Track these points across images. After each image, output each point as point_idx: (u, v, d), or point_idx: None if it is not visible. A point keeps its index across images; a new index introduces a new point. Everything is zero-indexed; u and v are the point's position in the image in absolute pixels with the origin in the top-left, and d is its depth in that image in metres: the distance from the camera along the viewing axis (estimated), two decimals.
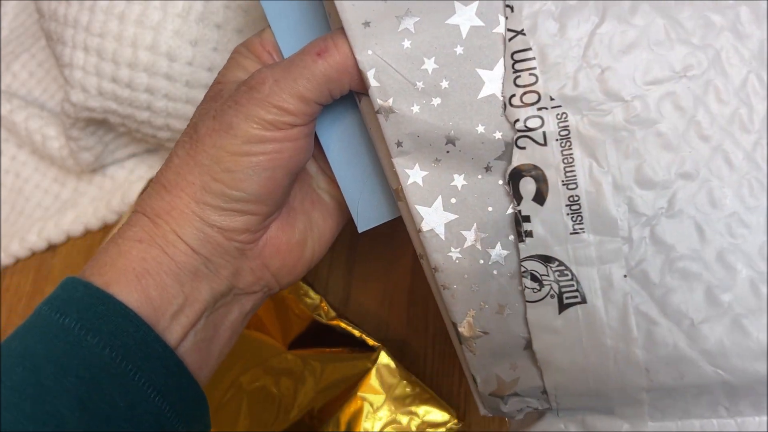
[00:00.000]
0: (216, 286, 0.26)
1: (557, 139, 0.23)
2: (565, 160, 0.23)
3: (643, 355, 0.23)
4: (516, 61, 0.23)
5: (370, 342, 0.41)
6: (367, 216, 0.29)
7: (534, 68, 0.23)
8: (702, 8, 0.23)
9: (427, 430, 0.39)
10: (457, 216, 0.24)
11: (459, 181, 0.24)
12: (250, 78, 0.25)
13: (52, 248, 0.52)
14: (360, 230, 0.29)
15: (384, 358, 0.40)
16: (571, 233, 0.23)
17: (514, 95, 0.23)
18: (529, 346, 0.25)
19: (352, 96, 0.26)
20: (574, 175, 0.23)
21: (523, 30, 0.23)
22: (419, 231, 0.25)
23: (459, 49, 0.23)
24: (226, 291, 0.26)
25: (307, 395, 0.41)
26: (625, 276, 0.23)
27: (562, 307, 0.24)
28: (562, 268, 0.23)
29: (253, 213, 0.25)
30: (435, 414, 0.39)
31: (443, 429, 0.39)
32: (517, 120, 0.23)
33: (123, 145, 0.49)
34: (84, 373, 0.22)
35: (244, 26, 0.38)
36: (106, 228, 0.51)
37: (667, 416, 0.24)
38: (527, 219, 0.23)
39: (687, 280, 0.23)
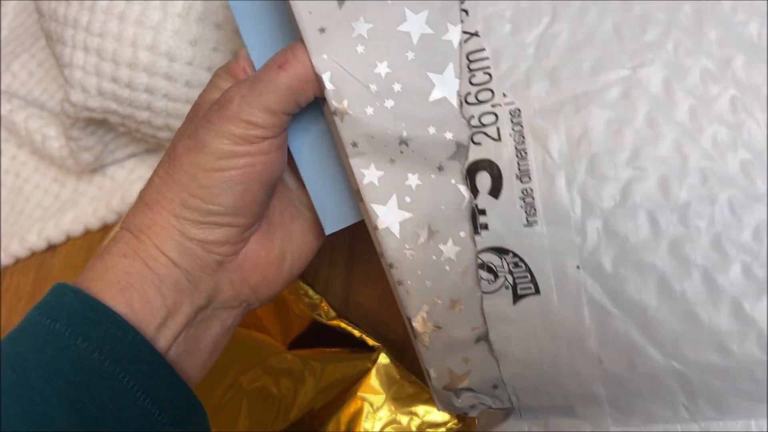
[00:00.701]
0: (196, 300, 0.27)
1: (510, 134, 0.24)
2: (519, 154, 0.24)
3: (596, 345, 0.24)
4: (471, 61, 0.24)
5: (370, 342, 0.41)
6: (334, 218, 0.30)
7: (488, 67, 0.24)
8: (650, 8, 0.23)
9: (427, 430, 0.39)
10: (411, 214, 0.25)
11: (413, 180, 0.25)
12: (221, 97, 0.26)
13: (51, 248, 0.52)
14: (327, 232, 0.30)
15: (384, 358, 0.40)
16: (524, 225, 0.24)
17: (469, 93, 0.24)
18: (480, 339, 0.25)
19: (317, 102, 0.27)
20: (528, 169, 0.24)
21: (477, 32, 0.24)
22: (375, 229, 0.25)
23: (410, 55, 0.24)
24: (205, 304, 0.27)
25: (307, 395, 0.41)
26: (578, 267, 0.23)
27: (517, 297, 0.24)
28: (516, 259, 0.24)
29: (230, 225, 0.26)
30: (435, 414, 0.39)
31: (443, 429, 0.39)
32: (472, 117, 0.24)
33: (123, 145, 0.49)
34: (74, 377, 0.23)
35: None
36: (105, 228, 0.51)
37: (629, 420, 0.24)
38: (483, 212, 0.24)
39: (640, 272, 0.23)
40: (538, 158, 0.23)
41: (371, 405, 0.40)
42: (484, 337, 0.25)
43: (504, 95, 0.24)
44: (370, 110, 0.24)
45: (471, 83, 0.24)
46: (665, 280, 0.23)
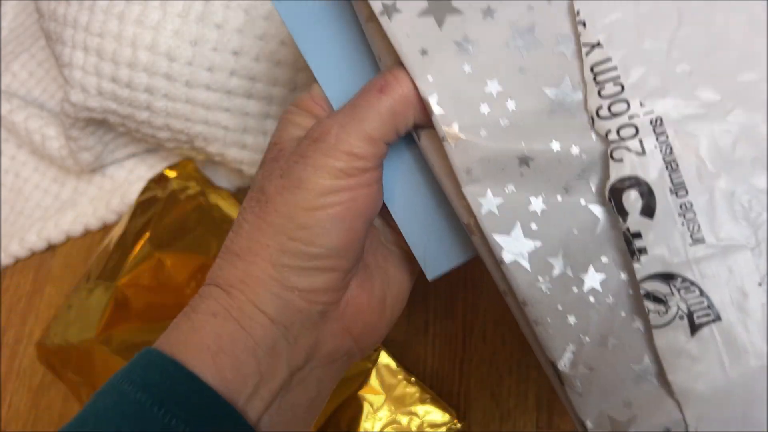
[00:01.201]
0: (294, 360, 0.24)
1: (656, 146, 0.21)
2: (669, 167, 0.21)
3: None
4: (597, 74, 0.22)
5: None
6: (436, 262, 0.27)
7: (618, 77, 0.22)
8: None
9: (427, 430, 0.39)
10: (540, 243, 0.23)
11: (537, 205, 0.23)
12: (312, 130, 0.24)
13: (51, 248, 0.52)
14: (430, 278, 0.28)
15: (384, 358, 0.40)
16: (690, 244, 0.21)
17: (600, 107, 0.22)
18: (642, 378, 0.23)
19: (405, 141, 0.26)
20: (682, 181, 0.21)
21: (599, 42, 0.22)
22: (500, 263, 0.23)
23: (522, 70, 0.22)
24: (303, 364, 0.25)
25: None
26: (759, 284, 0.21)
27: (695, 328, 0.21)
28: (687, 284, 0.21)
29: (333, 269, 0.24)
30: (435, 414, 0.39)
31: (443, 429, 0.39)
32: (609, 131, 0.22)
33: (123, 145, 0.49)
34: None
35: (243, 26, 0.38)
36: (105, 228, 0.51)
37: None
38: (638, 235, 0.22)
39: None
40: (692, 168, 0.21)
41: (371, 405, 0.39)
42: (647, 375, 0.22)
43: (641, 105, 0.22)
44: (484, 132, 0.22)
45: (601, 96, 0.22)
46: None
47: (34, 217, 0.52)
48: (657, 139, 0.21)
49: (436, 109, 0.22)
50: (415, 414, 0.39)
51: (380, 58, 0.25)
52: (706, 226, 0.21)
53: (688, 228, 0.21)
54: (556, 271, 0.23)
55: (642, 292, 0.22)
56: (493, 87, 0.22)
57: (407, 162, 0.27)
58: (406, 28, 0.23)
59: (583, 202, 0.22)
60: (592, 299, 0.22)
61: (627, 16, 0.22)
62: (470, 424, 0.41)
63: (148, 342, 0.24)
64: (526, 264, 0.23)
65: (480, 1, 0.23)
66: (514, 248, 0.23)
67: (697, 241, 0.21)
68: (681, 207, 0.21)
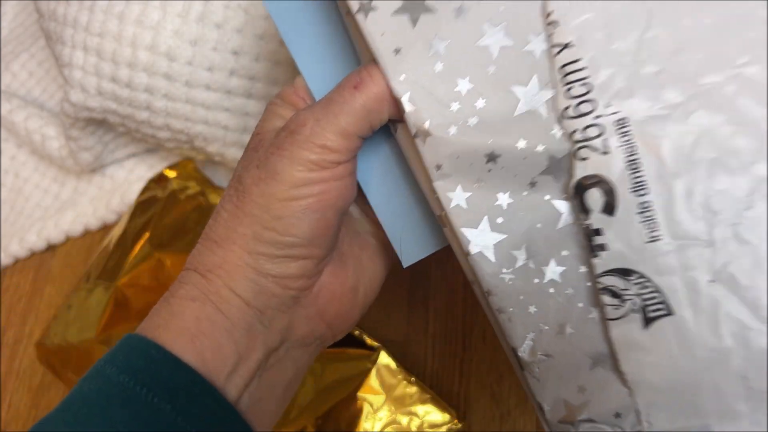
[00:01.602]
0: (270, 341, 0.25)
1: (619, 146, 0.22)
2: (631, 166, 0.22)
3: (738, 363, 0.22)
4: (567, 73, 0.23)
5: (370, 342, 0.41)
6: (412, 250, 0.28)
7: (586, 77, 0.22)
8: (750, 6, 0.22)
9: (427, 430, 0.39)
10: (505, 236, 0.24)
11: (504, 199, 0.24)
12: (289, 122, 0.25)
13: (51, 248, 0.52)
14: (405, 265, 0.28)
15: (384, 358, 0.40)
16: (647, 242, 0.22)
17: (568, 106, 0.23)
18: (596, 365, 0.24)
19: (383, 131, 0.26)
20: (643, 180, 0.22)
21: (570, 42, 0.23)
22: (467, 254, 0.24)
23: (491, 69, 0.23)
24: (278, 345, 0.26)
25: (307, 395, 0.41)
26: (711, 281, 0.22)
27: (648, 321, 0.23)
28: (643, 279, 0.22)
29: (307, 257, 0.25)
30: (435, 414, 0.39)
31: (443, 429, 0.39)
32: (575, 131, 0.23)
33: (122, 144, 0.49)
34: None
35: (243, 26, 0.38)
36: (105, 228, 0.51)
37: None
38: (598, 232, 0.22)
39: None
40: (653, 169, 0.22)
41: (371, 405, 0.39)
42: (600, 363, 0.24)
43: (607, 105, 0.22)
44: (453, 129, 0.23)
45: (568, 95, 0.23)
46: None
47: (34, 217, 0.52)
48: (621, 139, 0.22)
49: (408, 107, 0.23)
50: (415, 414, 0.39)
51: (360, 54, 0.26)
52: (663, 224, 0.22)
53: (646, 226, 0.22)
54: (519, 263, 0.24)
55: (599, 286, 0.23)
56: (463, 86, 0.23)
57: (385, 152, 0.28)
58: (380, 26, 0.24)
59: (547, 197, 0.23)
60: (552, 290, 0.23)
61: (597, 17, 0.23)
62: (470, 424, 0.41)
63: None
64: (491, 256, 0.24)
65: (453, 1, 0.23)
66: (480, 241, 0.24)
67: (654, 239, 0.22)
68: (640, 206, 0.22)
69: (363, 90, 0.24)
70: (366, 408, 0.39)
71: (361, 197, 0.29)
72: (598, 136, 0.22)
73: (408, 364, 0.41)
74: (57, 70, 0.54)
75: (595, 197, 0.22)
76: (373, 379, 0.40)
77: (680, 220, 0.22)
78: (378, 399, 0.39)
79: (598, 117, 0.22)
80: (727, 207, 0.21)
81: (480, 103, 0.23)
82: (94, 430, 0.22)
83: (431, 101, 0.23)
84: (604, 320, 0.23)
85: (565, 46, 0.23)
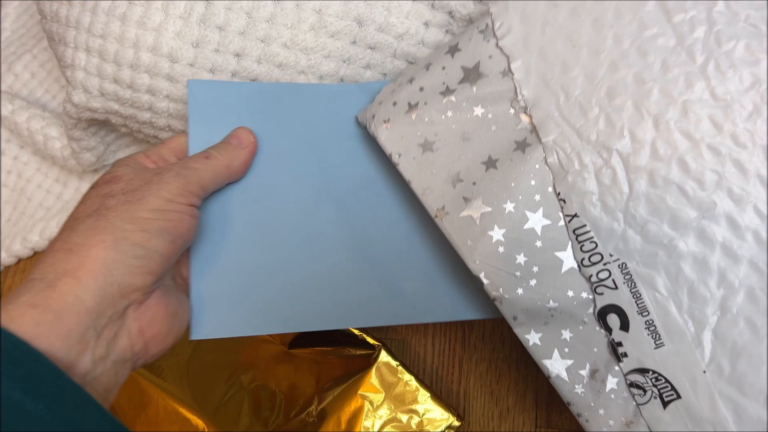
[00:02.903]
0: (96, 351, 0.27)
1: (624, 282, 0.31)
2: (634, 296, 0.31)
3: (735, 427, 0.29)
4: (578, 235, 0.31)
5: (370, 341, 0.41)
6: (208, 325, 0.33)
7: (592, 237, 0.31)
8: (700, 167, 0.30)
9: (427, 428, 0.39)
10: (572, 361, 0.32)
11: (566, 334, 0.32)
12: (157, 168, 0.31)
13: None
14: (192, 337, 0.32)
15: (384, 356, 0.40)
16: (654, 348, 0.30)
17: (583, 258, 0.31)
18: None
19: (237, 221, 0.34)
20: (645, 305, 0.31)
21: (576, 213, 0.31)
22: (548, 377, 0.32)
23: (538, 243, 0.31)
24: (104, 355, 0.27)
25: (308, 394, 0.41)
26: (704, 372, 0.30)
27: (665, 403, 0.31)
28: (656, 375, 0.30)
29: (151, 272, 0.28)
30: (435, 412, 0.39)
31: (443, 427, 0.39)
32: (591, 275, 0.31)
33: (125, 145, 0.49)
34: None
35: (245, 28, 0.38)
36: None
37: None
38: (620, 344, 0.31)
39: (754, 364, 0.29)
40: (650, 296, 0.31)
41: (371, 403, 0.40)
42: None
43: (610, 255, 0.31)
44: (520, 290, 0.31)
45: (582, 251, 0.31)
46: None
47: (37, 217, 0.52)
48: (624, 278, 0.31)
49: (485, 281, 0.31)
50: (415, 412, 0.39)
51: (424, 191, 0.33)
52: (664, 334, 0.30)
53: (652, 337, 0.31)
54: (585, 380, 0.32)
55: (627, 382, 0.31)
56: (521, 259, 0.31)
57: (224, 233, 0.34)
58: (456, 225, 0.32)
59: (597, 328, 0.31)
60: (612, 396, 0.31)
61: (593, 196, 0.31)
62: (469, 422, 0.42)
63: None
64: (565, 377, 0.32)
65: (507, 204, 0.32)
66: (555, 367, 0.32)
67: (659, 345, 0.30)
68: (646, 323, 0.31)
69: (212, 160, 0.32)
70: (366, 406, 0.40)
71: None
72: (608, 277, 0.31)
73: (408, 363, 0.41)
74: (59, 71, 0.54)
75: (613, 319, 0.31)
76: (373, 377, 0.40)
77: (675, 331, 0.30)
78: (378, 397, 0.40)
79: (605, 264, 0.31)
80: (706, 317, 0.30)
81: (535, 269, 0.31)
82: None
83: (500, 274, 0.31)
84: (637, 405, 0.31)
85: (574, 216, 0.31)
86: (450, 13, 0.39)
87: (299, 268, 0.33)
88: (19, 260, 0.52)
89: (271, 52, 0.39)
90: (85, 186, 0.52)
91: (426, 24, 0.39)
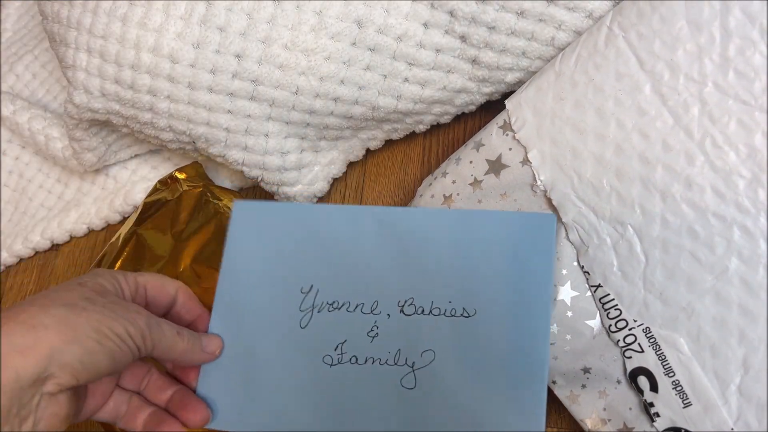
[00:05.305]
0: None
1: (649, 345, 0.34)
2: (660, 357, 0.33)
3: None
4: (604, 303, 0.35)
5: None
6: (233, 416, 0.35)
7: (616, 305, 0.34)
8: (710, 234, 0.33)
9: None
10: (611, 418, 0.35)
11: (603, 395, 0.35)
12: (137, 306, 0.32)
13: (55, 248, 0.52)
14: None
15: None
16: (683, 407, 0.33)
17: (610, 325, 0.34)
18: None
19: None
20: (670, 366, 0.33)
21: (600, 284, 0.35)
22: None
23: (569, 313, 0.35)
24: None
25: None
26: (732, 429, 0.32)
27: None
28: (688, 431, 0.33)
29: (78, 377, 0.29)
30: None
31: None
32: (618, 340, 0.34)
33: (126, 145, 0.50)
34: None
35: (246, 29, 0.39)
36: (109, 228, 0.52)
37: None
38: (652, 405, 0.33)
39: None
40: (674, 357, 0.33)
41: None
42: None
43: (634, 320, 0.34)
44: (558, 356, 0.35)
45: (609, 318, 0.34)
46: None
47: (38, 217, 0.53)
48: (649, 341, 0.34)
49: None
50: None
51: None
52: (690, 393, 0.33)
53: (680, 397, 0.33)
54: None
55: None
56: (554, 329, 0.35)
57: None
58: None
59: (630, 389, 0.34)
60: None
61: (612, 263, 0.35)
62: None
63: None
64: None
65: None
66: (596, 425, 0.34)
67: (687, 405, 0.33)
68: (672, 383, 0.33)
69: (180, 339, 0.33)
70: None
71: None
72: (634, 341, 0.34)
73: None
74: (60, 71, 0.54)
75: (643, 381, 0.34)
76: None
77: (701, 390, 0.32)
78: None
79: (631, 329, 0.34)
80: (730, 375, 0.32)
81: (568, 337, 0.35)
82: None
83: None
84: None
85: (598, 286, 0.35)
86: (451, 13, 0.39)
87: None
88: (21, 260, 0.52)
89: (271, 53, 0.39)
90: (87, 186, 0.52)
91: (425, 25, 0.40)
